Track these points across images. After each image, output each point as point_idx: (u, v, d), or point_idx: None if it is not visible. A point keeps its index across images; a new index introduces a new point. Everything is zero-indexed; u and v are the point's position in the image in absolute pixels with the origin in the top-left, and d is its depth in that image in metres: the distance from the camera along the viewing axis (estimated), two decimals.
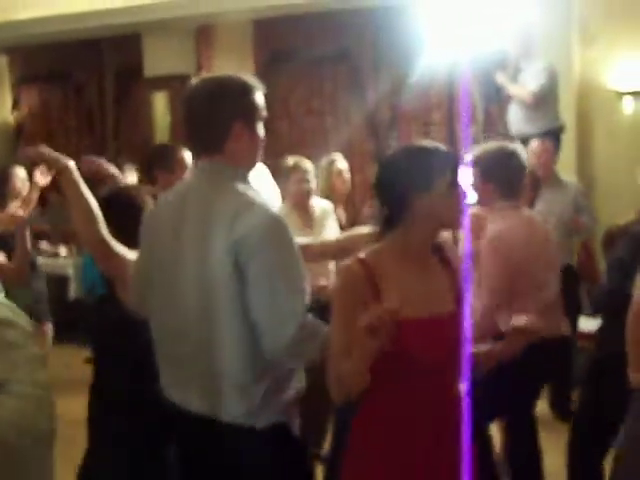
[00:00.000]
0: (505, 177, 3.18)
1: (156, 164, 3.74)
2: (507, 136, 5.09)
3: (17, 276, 3.65)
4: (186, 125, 2.20)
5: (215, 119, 2.13)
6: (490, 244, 3.07)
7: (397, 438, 2.02)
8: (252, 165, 2.21)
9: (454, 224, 2.16)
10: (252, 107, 2.17)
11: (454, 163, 2.10)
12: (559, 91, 5.42)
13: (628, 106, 6.01)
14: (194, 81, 2.23)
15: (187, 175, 3.49)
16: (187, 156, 3.64)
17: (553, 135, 5.27)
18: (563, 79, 5.50)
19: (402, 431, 2.02)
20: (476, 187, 3.13)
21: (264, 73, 6.69)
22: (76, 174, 2.45)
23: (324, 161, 4.88)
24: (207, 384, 2.10)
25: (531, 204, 4.07)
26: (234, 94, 2.15)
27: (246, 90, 2.17)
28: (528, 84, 5.33)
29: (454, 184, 2.07)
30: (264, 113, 2.20)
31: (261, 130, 2.20)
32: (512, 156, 3.23)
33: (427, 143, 2.17)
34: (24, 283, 3.90)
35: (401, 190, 2.04)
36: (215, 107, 2.13)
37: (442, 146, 2.15)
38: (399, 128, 7.13)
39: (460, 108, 6.42)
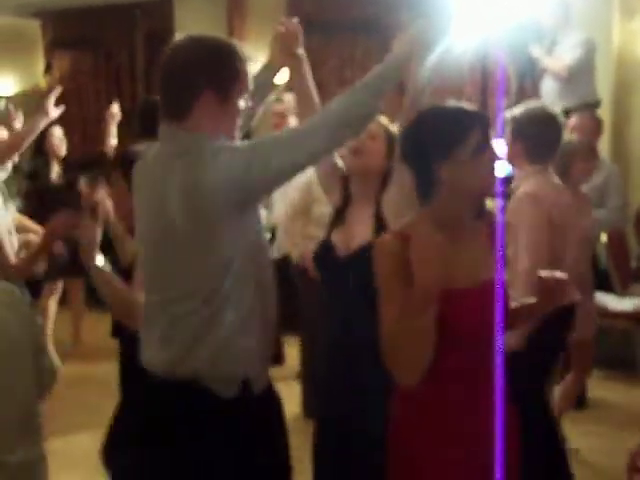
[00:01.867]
0: (535, 138, 3.08)
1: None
2: None
3: (18, 273, 3.35)
4: (158, 84, 2.04)
5: (184, 82, 1.98)
6: (526, 199, 3.01)
7: (440, 423, 1.94)
8: (220, 136, 2.00)
9: (485, 192, 1.97)
10: (229, 76, 1.99)
11: (481, 125, 1.90)
12: (597, 65, 5.30)
13: None
14: (176, 39, 2.06)
15: None
16: None
17: (588, 110, 5.16)
18: (602, 52, 5.37)
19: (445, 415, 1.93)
20: (507, 145, 3.05)
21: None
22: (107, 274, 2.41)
23: None
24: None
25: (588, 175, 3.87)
26: (211, 58, 1.99)
27: (226, 56, 2.00)
28: (564, 57, 5.21)
29: (481, 148, 1.88)
30: (247, 85, 2.03)
31: (240, 103, 2.03)
32: (548, 119, 3.13)
33: (449, 105, 1.96)
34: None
35: (422, 160, 1.91)
36: (187, 70, 1.98)
37: (467, 106, 1.96)
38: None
39: (494, 82, 6.31)
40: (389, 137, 2.57)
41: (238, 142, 2.06)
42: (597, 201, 4.64)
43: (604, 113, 5.44)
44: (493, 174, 1.93)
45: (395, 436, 2.01)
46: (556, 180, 3.24)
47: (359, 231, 2.47)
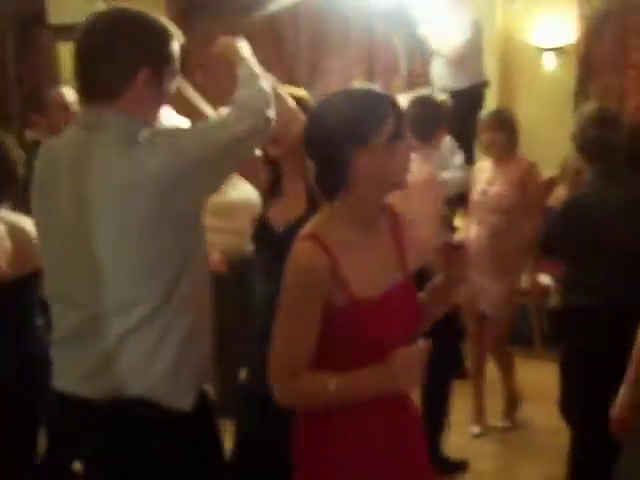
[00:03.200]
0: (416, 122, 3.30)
1: (31, 107, 3.55)
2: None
3: None
4: (79, 62, 1.83)
5: (117, 60, 1.79)
6: (426, 181, 3.23)
7: (353, 437, 1.78)
8: (150, 121, 1.86)
9: (399, 182, 1.77)
10: (165, 56, 1.85)
11: (396, 109, 1.74)
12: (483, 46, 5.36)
13: (549, 62, 6.03)
14: (100, 10, 1.86)
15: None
16: (65, 98, 3.41)
17: (476, 91, 5.23)
18: (486, 35, 5.44)
19: (357, 427, 1.78)
20: None
21: (179, 23, 6.41)
22: None
23: None
24: None
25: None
26: (147, 35, 1.82)
27: (162, 34, 1.85)
28: (452, 38, 5.24)
29: (397, 135, 1.71)
30: (177, 66, 1.89)
31: (171, 85, 1.90)
32: (426, 103, 3.36)
33: (362, 86, 1.80)
34: None
35: (332, 146, 1.70)
36: (120, 45, 1.79)
37: (381, 90, 1.78)
38: (318, 84, 6.96)
39: (381, 62, 6.31)
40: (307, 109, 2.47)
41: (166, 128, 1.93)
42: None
43: (491, 93, 5.54)
44: (408, 162, 1.79)
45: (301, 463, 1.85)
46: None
47: (294, 205, 2.42)
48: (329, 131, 1.71)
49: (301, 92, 2.49)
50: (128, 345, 1.79)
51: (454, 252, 1.87)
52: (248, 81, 2.02)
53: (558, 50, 5.97)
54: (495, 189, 3.93)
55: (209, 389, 1.98)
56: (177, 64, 1.89)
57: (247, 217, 4.15)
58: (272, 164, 2.52)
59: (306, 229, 1.77)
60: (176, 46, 1.88)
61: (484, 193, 3.97)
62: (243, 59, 2.09)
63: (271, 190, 2.54)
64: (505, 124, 3.98)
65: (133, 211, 1.74)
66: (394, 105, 1.74)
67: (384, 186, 1.76)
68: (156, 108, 1.89)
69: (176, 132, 1.89)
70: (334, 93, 1.79)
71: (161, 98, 1.88)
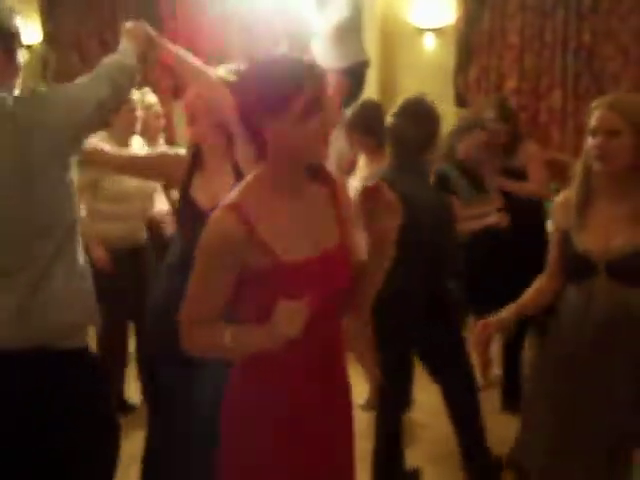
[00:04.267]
0: None
1: None
2: None
3: None
4: None
5: None
6: None
7: (281, 403, 1.85)
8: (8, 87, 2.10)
9: (317, 154, 1.74)
10: (14, 31, 2.12)
11: (314, 77, 1.68)
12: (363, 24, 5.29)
13: (429, 43, 6.03)
14: None
15: None
16: None
17: (358, 70, 5.15)
18: (366, 15, 5.40)
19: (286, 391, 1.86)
20: None
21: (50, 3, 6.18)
22: None
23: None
24: None
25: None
26: None
27: (9, 12, 2.10)
28: (331, 16, 5.14)
29: (313, 105, 1.67)
30: (19, 40, 2.14)
31: (20, 57, 2.15)
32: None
33: (279, 56, 1.75)
34: None
35: (250, 115, 1.71)
36: None
37: (302, 58, 1.72)
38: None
39: (261, 45, 6.16)
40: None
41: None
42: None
43: (372, 73, 5.48)
44: (325, 133, 1.71)
45: (230, 405, 1.92)
46: None
47: (218, 182, 2.47)
48: (245, 101, 1.72)
49: (220, 71, 2.58)
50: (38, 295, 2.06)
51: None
52: (119, 53, 2.33)
53: (438, 31, 6.00)
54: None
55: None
56: (19, 36, 2.14)
57: (142, 203, 4.07)
58: (193, 150, 2.62)
59: (226, 198, 1.78)
60: (16, 22, 2.13)
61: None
62: (129, 37, 2.39)
63: (190, 169, 2.60)
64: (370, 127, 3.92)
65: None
66: (312, 75, 1.68)
67: (300, 156, 1.74)
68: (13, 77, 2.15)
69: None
70: (253, 63, 1.76)
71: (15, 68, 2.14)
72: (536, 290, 2.63)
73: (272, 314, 1.70)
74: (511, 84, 5.86)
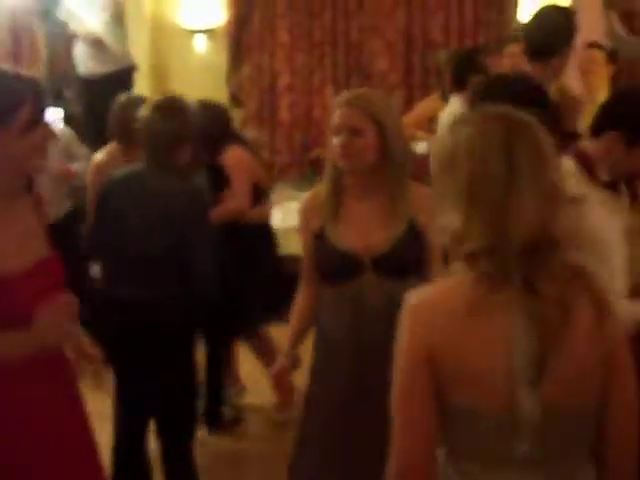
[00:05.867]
0: None
1: None
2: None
3: None
4: None
5: None
6: None
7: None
8: None
9: (33, 168, 1.83)
10: None
11: (36, 95, 1.75)
12: (131, 29, 5.14)
13: (200, 44, 5.96)
14: None
15: None
16: None
17: (124, 75, 4.98)
18: (135, 18, 5.28)
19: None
20: None
21: None
22: None
23: None
24: None
25: None
26: None
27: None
28: (89, 20, 4.94)
29: (34, 120, 1.74)
30: None
31: None
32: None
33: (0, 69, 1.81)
34: None
35: None
36: None
37: (21, 73, 1.80)
38: None
39: (23, 46, 5.82)
40: None
41: None
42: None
43: (143, 77, 5.34)
44: (44, 149, 1.79)
45: None
46: None
47: None
48: None
49: None
50: None
51: None
52: None
53: (209, 32, 5.95)
54: None
55: None
56: None
57: None
58: None
59: None
60: None
61: None
62: None
63: None
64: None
65: None
66: (35, 90, 1.76)
67: (16, 169, 1.78)
68: None
69: None
70: None
71: None
72: (302, 305, 2.49)
73: (34, 320, 1.70)
74: (284, 81, 5.93)
